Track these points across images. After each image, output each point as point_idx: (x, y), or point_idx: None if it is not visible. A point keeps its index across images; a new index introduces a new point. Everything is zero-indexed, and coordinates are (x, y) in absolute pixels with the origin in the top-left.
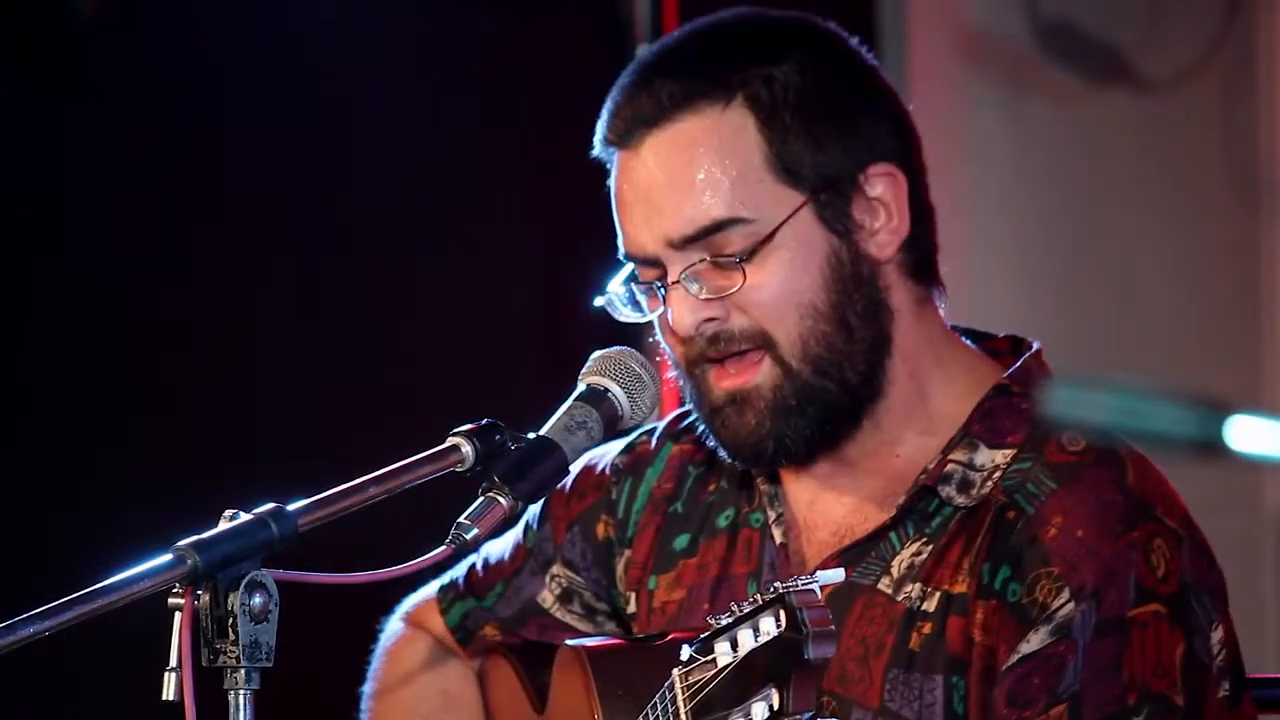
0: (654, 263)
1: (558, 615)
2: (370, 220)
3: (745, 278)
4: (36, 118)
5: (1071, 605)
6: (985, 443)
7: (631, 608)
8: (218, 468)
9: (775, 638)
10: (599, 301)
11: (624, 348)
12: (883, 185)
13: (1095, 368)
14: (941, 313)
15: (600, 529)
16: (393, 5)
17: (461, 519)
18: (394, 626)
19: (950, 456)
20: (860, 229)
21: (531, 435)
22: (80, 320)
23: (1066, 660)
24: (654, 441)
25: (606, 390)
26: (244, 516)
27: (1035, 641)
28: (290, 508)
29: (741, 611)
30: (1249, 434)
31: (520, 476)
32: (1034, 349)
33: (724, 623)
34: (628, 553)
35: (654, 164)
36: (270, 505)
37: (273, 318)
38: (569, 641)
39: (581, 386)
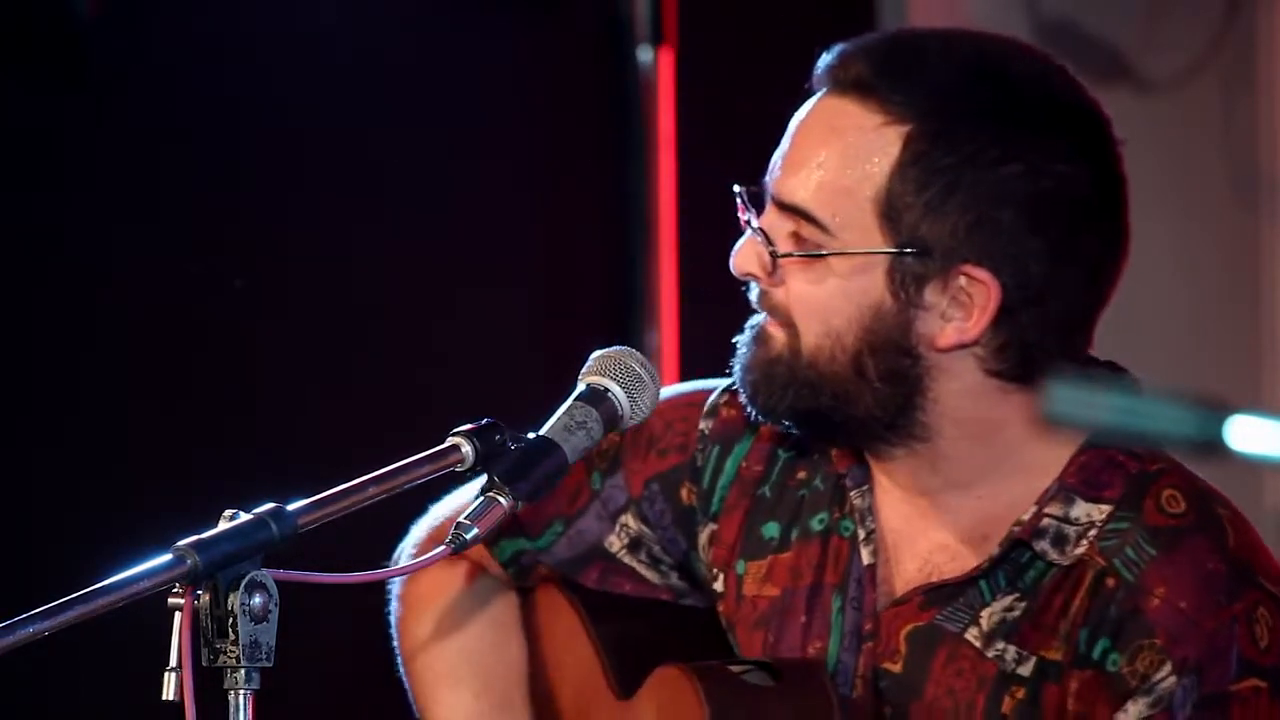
0: (759, 197)
1: (624, 560)
2: (370, 220)
3: (800, 271)
4: (37, 116)
5: (1174, 679)
6: (1081, 496)
7: (719, 586)
8: (218, 468)
9: None
10: (738, 188)
11: (624, 347)
12: (973, 288)
13: None
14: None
15: (684, 494)
16: (393, 4)
17: (461, 519)
18: (418, 536)
19: (1046, 510)
20: (926, 308)
21: (531, 435)
22: (80, 319)
23: None
24: (746, 411)
25: (606, 390)
26: (244, 516)
27: (1133, 712)
28: (290, 508)
29: None
30: (1249, 434)
31: (520, 476)
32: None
33: None
34: (713, 527)
35: (808, 123)
36: (270, 505)
37: (273, 317)
38: (673, 665)
39: (581, 386)
